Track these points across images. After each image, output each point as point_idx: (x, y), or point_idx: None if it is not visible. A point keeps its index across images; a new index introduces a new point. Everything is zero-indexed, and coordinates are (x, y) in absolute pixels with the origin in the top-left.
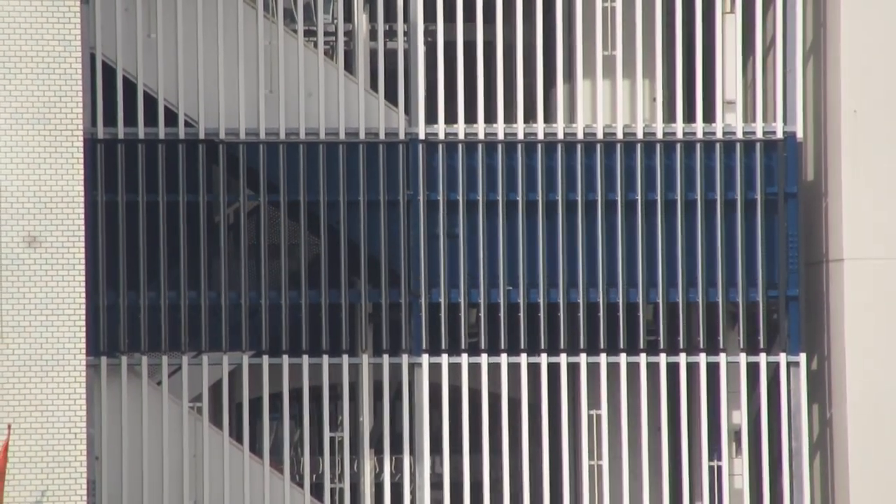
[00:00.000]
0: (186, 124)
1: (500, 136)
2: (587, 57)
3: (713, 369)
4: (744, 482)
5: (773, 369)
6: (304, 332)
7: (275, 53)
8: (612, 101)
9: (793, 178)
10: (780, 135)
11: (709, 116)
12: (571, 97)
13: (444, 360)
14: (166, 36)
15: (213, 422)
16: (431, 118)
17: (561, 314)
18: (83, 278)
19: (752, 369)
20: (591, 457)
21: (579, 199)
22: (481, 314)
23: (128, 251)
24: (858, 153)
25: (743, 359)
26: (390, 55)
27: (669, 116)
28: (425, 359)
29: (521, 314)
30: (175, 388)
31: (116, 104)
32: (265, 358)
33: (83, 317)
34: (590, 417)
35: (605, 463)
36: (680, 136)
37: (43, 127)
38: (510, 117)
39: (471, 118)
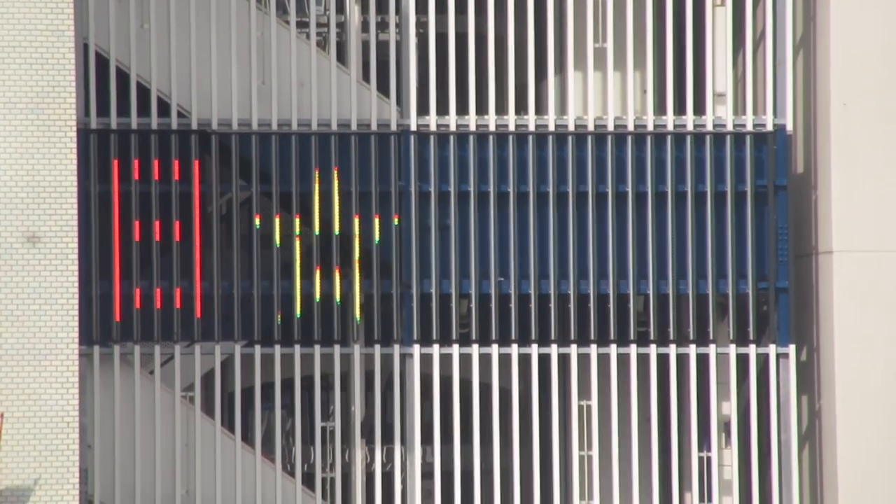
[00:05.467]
0: (179, 115)
1: (492, 128)
2: (578, 49)
3: (703, 360)
4: (733, 473)
5: (763, 361)
6: (295, 322)
7: (267, 44)
8: (603, 93)
9: (782, 171)
10: (769, 127)
11: (699, 109)
12: (562, 89)
13: (436, 350)
14: (159, 26)
15: (205, 411)
16: (423, 110)
17: (552, 305)
18: (76, 268)
19: (742, 361)
20: (580, 447)
21: (570, 190)
22: (472, 305)
23: (121, 241)
24: (848, 146)
25: (732, 350)
26: (382, 47)
27: (660, 109)
28: (416, 349)
29: (512, 305)
30: (167, 378)
31: (109, 94)
32: (257, 348)
33: (76, 306)
34: (580, 408)
35: (594, 453)
36: (670, 128)
37: (36, 117)
38: (501, 109)
39: (462, 110)
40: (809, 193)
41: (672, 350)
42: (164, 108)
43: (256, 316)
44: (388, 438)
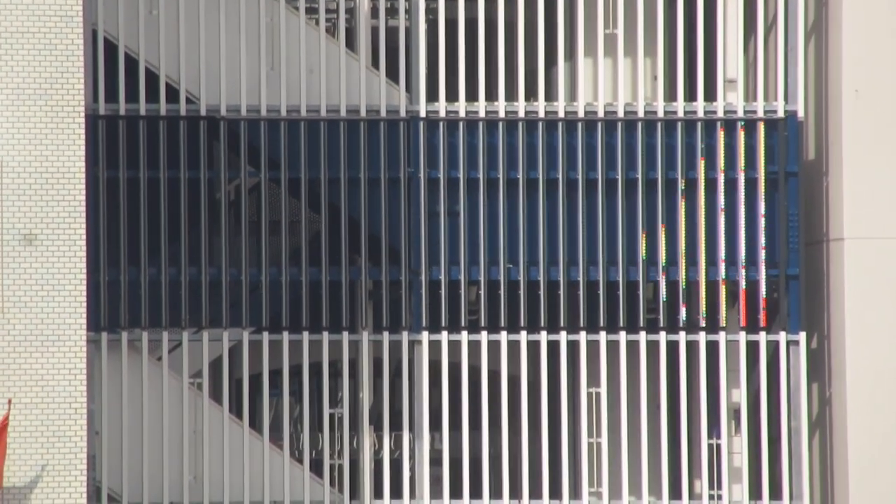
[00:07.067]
0: (188, 101)
1: (502, 114)
2: (588, 35)
3: (713, 348)
4: (742, 460)
5: (773, 348)
6: (304, 308)
7: (276, 30)
8: (614, 80)
9: (794, 158)
10: (781, 114)
11: (710, 95)
12: (573, 75)
13: (444, 337)
14: (168, 12)
15: (213, 398)
16: (433, 96)
17: (561, 292)
18: (84, 254)
19: (752, 348)
20: (590, 434)
21: (580, 177)
22: (481, 292)
23: (129, 227)
24: (859, 133)
25: (742, 337)
26: (392, 33)
27: (671, 95)
28: (425, 336)
29: (522, 292)
30: (175, 364)
31: (118, 80)
32: (265, 334)
33: (84, 292)
34: (589, 395)
35: (604, 440)
36: (681, 114)
37: (45, 103)
38: (511, 95)
39: (472, 96)
40: (821, 180)
41: (682, 337)
42: (172, 95)
43: (265, 302)
44: (396, 425)
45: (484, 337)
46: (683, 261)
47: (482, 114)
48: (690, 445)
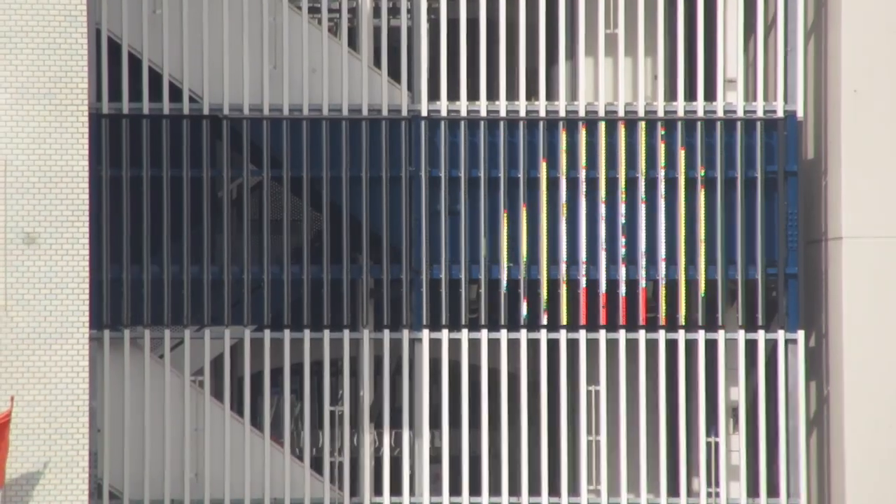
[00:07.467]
0: (191, 100)
1: (503, 114)
2: (589, 34)
3: (711, 346)
4: (741, 458)
5: (772, 346)
6: (305, 306)
7: (279, 30)
8: (614, 79)
9: (793, 157)
10: (780, 114)
11: (710, 95)
12: (573, 75)
13: (445, 335)
14: (171, 11)
15: (214, 395)
16: (434, 95)
17: (561, 290)
18: (87, 252)
19: (751, 346)
20: (589, 432)
21: (580, 176)
22: (482, 290)
23: (131, 225)
24: (858, 132)
25: (741, 336)
26: (393, 32)
27: (671, 94)
28: (426, 334)
29: (522, 290)
30: (177, 362)
31: (121, 79)
32: (267, 332)
33: (86, 290)
34: (588, 393)
35: (602, 439)
36: (681, 114)
37: (48, 102)
38: (512, 94)
39: (473, 95)
40: (820, 180)
41: (681, 335)
42: (175, 94)
43: (266, 300)
44: (396, 423)
45: (484, 335)
46: (683, 259)
47: (483, 113)
48: (689, 443)
